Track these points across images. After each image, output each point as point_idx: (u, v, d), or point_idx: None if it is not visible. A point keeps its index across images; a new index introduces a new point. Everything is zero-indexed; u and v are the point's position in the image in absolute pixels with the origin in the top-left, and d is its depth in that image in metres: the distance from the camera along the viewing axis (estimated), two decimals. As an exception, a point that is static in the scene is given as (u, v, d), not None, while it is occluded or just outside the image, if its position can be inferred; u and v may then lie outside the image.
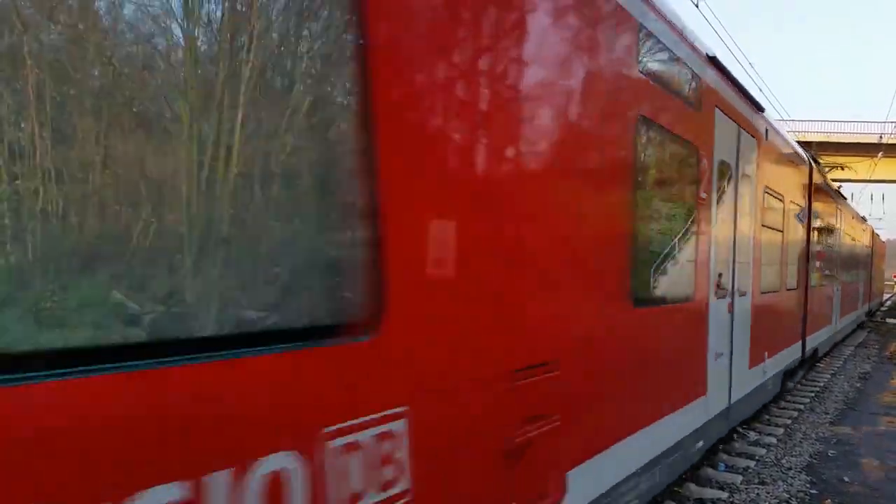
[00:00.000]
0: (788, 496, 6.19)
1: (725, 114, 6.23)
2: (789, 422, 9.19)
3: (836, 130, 35.29)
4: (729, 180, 6.48)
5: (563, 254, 3.48)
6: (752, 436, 8.33)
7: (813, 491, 6.38)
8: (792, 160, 9.92)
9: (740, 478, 6.77)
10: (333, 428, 2.08)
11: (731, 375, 6.63)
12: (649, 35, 4.41)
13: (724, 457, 7.47)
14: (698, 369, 5.74)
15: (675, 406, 5.16)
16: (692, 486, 6.51)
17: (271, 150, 2.14)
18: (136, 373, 1.63)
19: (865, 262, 23.98)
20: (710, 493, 6.33)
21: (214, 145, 1.91)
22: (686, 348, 5.50)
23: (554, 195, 3.33)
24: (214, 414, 1.79)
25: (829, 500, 6.11)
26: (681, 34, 5.04)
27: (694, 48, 5.36)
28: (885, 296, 44.61)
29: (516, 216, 3.00)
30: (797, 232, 10.34)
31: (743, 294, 6.96)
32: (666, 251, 5.06)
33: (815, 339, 12.22)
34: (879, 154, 29.85)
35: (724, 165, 6.25)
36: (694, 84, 5.36)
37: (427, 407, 2.46)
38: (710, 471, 6.98)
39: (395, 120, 2.32)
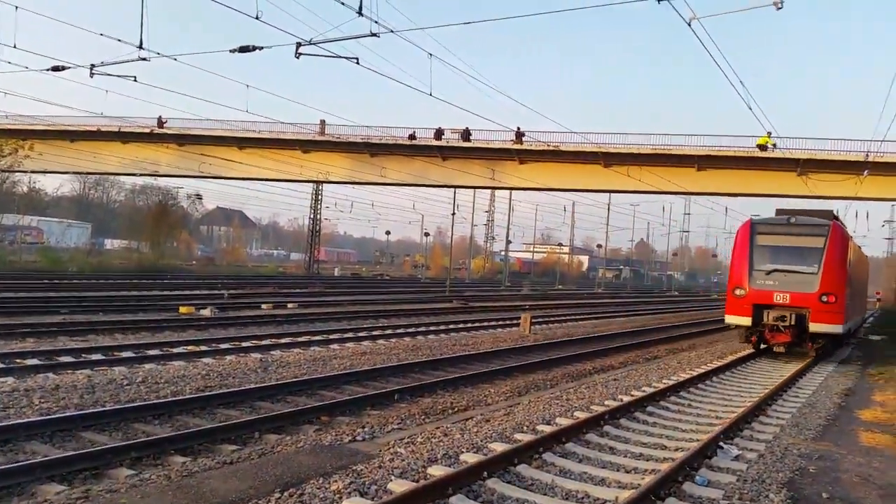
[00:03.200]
0: (769, 513, 6.11)
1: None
2: (771, 437, 9.13)
3: (822, 148, 35.63)
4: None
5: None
6: (734, 451, 8.26)
7: (794, 508, 6.30)
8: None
9: (721, 493, 6.69)
10: None
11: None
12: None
13: (706, 472, 7.40)
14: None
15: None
16: (672, 501, 6.43)
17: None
18: None
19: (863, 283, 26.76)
20: (690, 508, 6.25)
21: None
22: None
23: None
24: None
25: None
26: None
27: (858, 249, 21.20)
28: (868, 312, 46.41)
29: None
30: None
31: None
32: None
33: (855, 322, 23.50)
34: (865, 172, 30.14)
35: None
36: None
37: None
38: (691, 486, 6.91)
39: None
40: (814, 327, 16.97)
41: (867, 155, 32.17)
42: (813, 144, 35.76)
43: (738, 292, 17.86)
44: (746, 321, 17.72)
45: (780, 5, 10.47)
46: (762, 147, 34.56)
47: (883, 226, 73.16)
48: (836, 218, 19.97)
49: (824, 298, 16.88)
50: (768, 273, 17.49)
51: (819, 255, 17.17)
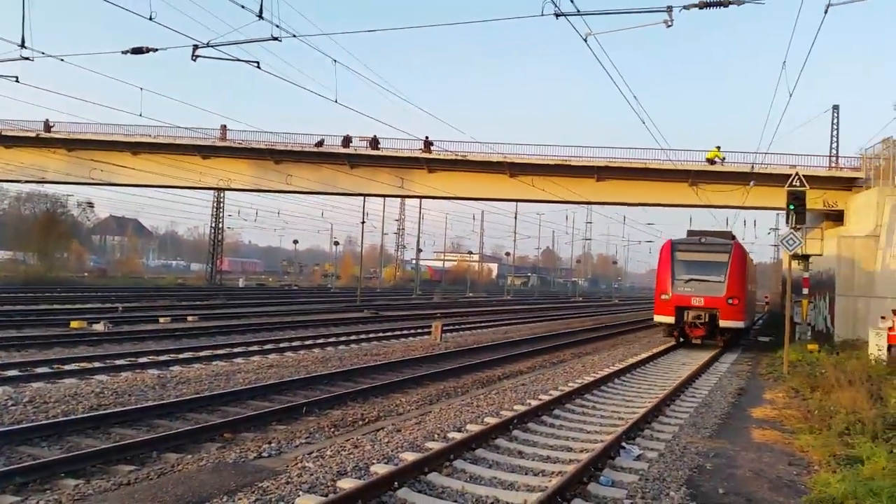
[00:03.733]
0: (670, 509, 6.35)
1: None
2: (670, 437, 9.52)
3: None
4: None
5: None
6: (636, 451, 8.56)
7: (692, 503, 6.57)
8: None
9: (624, 492, 6.90)
10: None
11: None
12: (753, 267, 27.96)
13: (610, 472, 7.62)
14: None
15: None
16: (578, 502, 6.57)
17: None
18: None
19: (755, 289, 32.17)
20: (596, 509, 6.41)
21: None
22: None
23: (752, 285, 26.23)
24: None
25: None
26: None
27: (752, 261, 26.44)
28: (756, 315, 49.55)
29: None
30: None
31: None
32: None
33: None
34: (751, 183, 32.04)
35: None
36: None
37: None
38: (595, 486, 7.09)
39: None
40: (723, 323, 21.45)
41: (752, 167, 34.22)
42: (702, 157, 37.80)
43: (663, 297, 22.06)
44: (671, 320, 22.02)
45: (669, 23, 10.94)
46: (711, 161, 36.05)
47: (769, 233, 78.13)
48: (734, 237, 24.80)
49: (730, 301, 21.33)
50: (686, 281, 21.76)
51: (725, 268, 21.60)
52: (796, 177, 17.81)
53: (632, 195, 39.70)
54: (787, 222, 18.41)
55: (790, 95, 16.45)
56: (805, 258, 23.59)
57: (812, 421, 10.64)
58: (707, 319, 21.48)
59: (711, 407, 12.11)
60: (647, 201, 40.40)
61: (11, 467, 7.02)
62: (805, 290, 23.97)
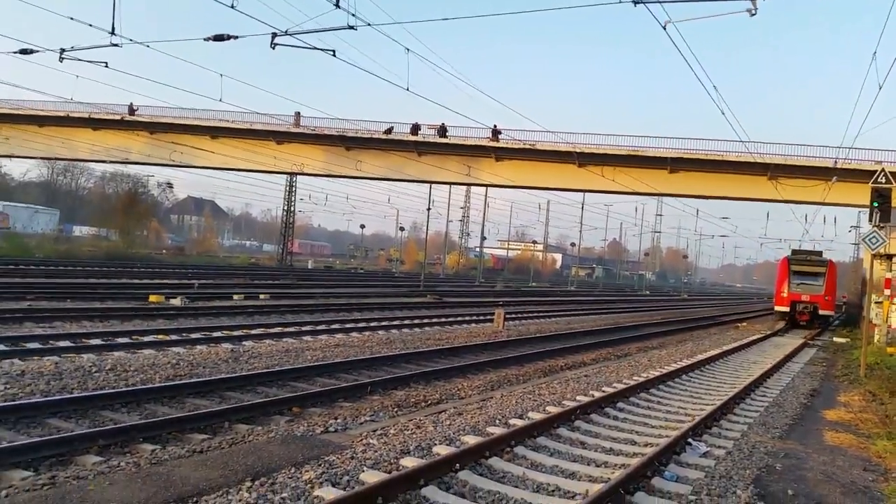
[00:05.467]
0: (736, 507, 6.21)
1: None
2: (739, 435, 9.29)
3: (792, 154, 36.26)
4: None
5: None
6: (703, 447, 8.39)
7: (760, 503, 6.41)
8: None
9: (689, 488, 6.79)
10: None
11: None
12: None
13: (675, 467, 7.50)
14: None
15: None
16: (641, 495, 6.50)
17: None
18: None
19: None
20: (660, 503, 6.33)
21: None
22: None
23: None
24: None
25: None
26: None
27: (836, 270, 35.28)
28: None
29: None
30: None
31: None
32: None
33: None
34: (834, 178, 30.69)
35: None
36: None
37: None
38: (659, 480, 6.99)
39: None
40: (821, 312, 32.16)
41: (836, 162, 32.75)
42: (784, 150, 36.36)
43: (783, 294, 32.69)
44: (787, 309, 32.53)
45: (753, 12, 10.55)
46: None
47: (850, 231, 74.70)
48: (826, 258, 34.89)
49: (826, 298, 32.22)
50: (798, 285, 32.33)
51: (823, 277, 32.37)
52: (882, 173, 16.98)
53: (706, 188, 38.59)
54: (870, 220, 17.61)
55: (880, 88, 15.65)
56: (889, 258, 22.48)
57: (890, 426, 10.19)
58: (811, 310, 32.12)
59: (783, 407, 11.73)
60: (723, 194, 39.19)
61: (95, 429, 7.43)
62: (887, 292, 22.84)
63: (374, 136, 41.01)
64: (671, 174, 38.36)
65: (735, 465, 7.72)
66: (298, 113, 42.56)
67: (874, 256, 20.37)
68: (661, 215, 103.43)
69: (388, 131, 40.97)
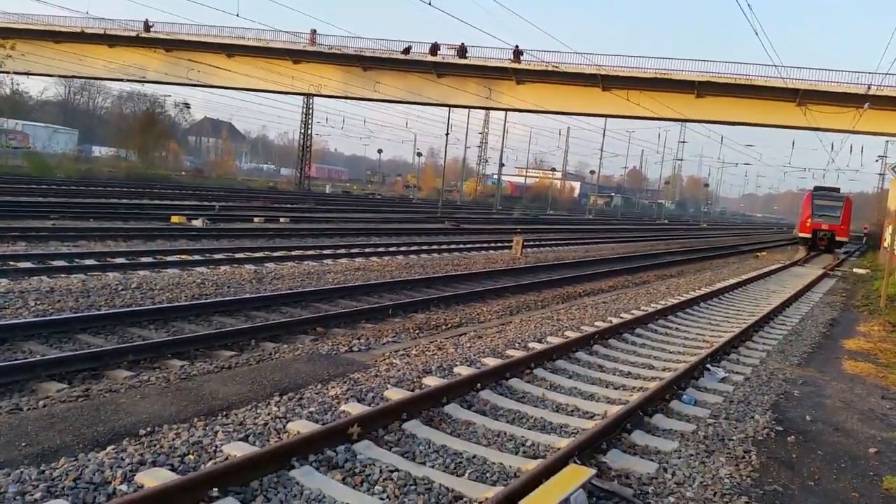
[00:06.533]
0: (754, 431, 6.30)
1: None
2: (757, 362, 9.35)
3: (823, 79, 35.10)
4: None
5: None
6: (721, 373, 8.46)
7: (778, 428, 6.50)
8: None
9: (708, 412, 6.88)
10: None
11: None
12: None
13: (693, 392, 7.59)
14: None
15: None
16: (660, 417, 6.61)
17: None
18: None
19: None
20: (679, 425, 6.43)
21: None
22: None
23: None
24: None
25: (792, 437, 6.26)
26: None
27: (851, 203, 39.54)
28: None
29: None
30: None
31: None
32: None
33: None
34: (866, 105, 29.80)
35: None
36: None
37: None
38: (677, 403, 7.09)
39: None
40: (838, 239, 37.09)
41: (869, 87, 31.72)
42: (814, 75, 35.21)
43: (807, 223, 37.08)
44: (808, 236, 37.17)
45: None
46: None
47: (877, 160, 73.00)
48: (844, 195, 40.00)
49: (842, 227, 36.92)
50: (819, 216, 36.88)
51: (840, 210, 37.00)
52: (920, 99, 16.44)
53: (733, 113, 37.68)
54: (903, 149, 17.13)
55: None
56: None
57: (911, 357, 10.19)
58: (829, 237, 36.98)
59: (801, 336, 11.76)
60: (750, 120, 38.29)
61: (125, 345, 7.62)
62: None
63: (392, 57, 40.17)
64: (697, 98, 37.43)
65: (753, 390, 7.80)
66: (314, 30, 41.65)
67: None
68: (684, 142, 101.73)
69: (406, 51, 40.07)
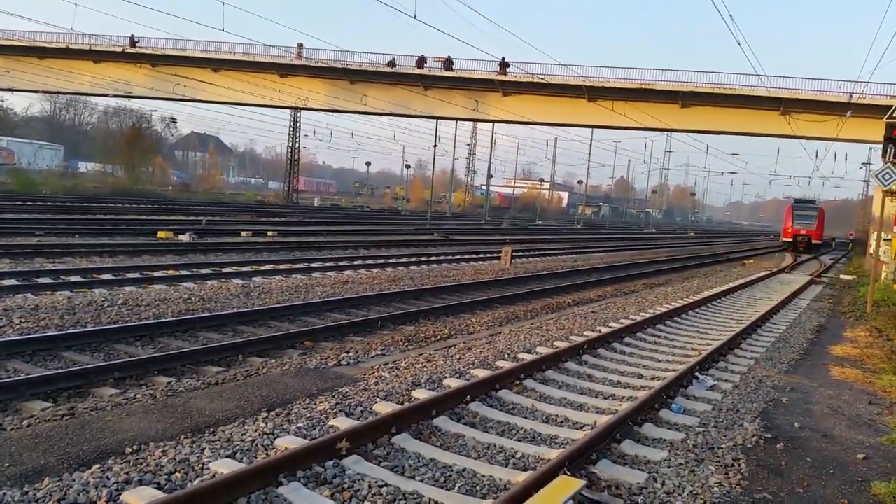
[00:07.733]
0: (743, 439, 6.32)
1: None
2: (745, 370, 9.38)
3: (806, 88, 35.48)
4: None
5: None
6: (709, 381, 8.48)
7: (767, 435, 6.52)
8: None
9: (697, 420, 6.89)
10: None
11: None
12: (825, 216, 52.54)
13: (682, 400, 7.60)
14: None
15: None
16: (649, 426, 6.61)
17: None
18: None
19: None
20: (668, 434, 6.44)
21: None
22: None
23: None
24: None
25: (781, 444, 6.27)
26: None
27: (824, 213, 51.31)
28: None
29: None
30: None
31: None
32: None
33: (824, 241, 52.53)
34: (849, 113, 30.14)
35: None
36: None
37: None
38: (666, 412, 7.10)
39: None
40: (814, 242, 45.72)
41: (851, 96, 32.11)
42: (797, 84, 35.60)
43: (788, 229, 46.20)
44: (790, 240, 45.88)
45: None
46: None
47: (861, 167, 73.91)
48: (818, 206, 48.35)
49: (817, 231, 46.20)
50: (798, 223, 46.00)
51: (815, 218, 46.39)
52: (899, 107, 16.67)
53: (718, 123, 38.03)
54: (883, 156, 17.35)
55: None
56: (901, 194, 22.31)
57: (897, 362, 10.27)
58: (807, 240, 45.72)
59: (789, 342, 11.82)
60: (735, 129, 38.65)
61: (111, 362, 7.54)
62: (897, 229, 22.81)
63: (378, 70, 40.29)
64: (682, 108, 37.76)
65: (742, 398, 7.82)
66: (301, 44, 41.74)
67: (885, 193, 20.16)
68: (670, 151, 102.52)
69: (391, 64, 40.21)
